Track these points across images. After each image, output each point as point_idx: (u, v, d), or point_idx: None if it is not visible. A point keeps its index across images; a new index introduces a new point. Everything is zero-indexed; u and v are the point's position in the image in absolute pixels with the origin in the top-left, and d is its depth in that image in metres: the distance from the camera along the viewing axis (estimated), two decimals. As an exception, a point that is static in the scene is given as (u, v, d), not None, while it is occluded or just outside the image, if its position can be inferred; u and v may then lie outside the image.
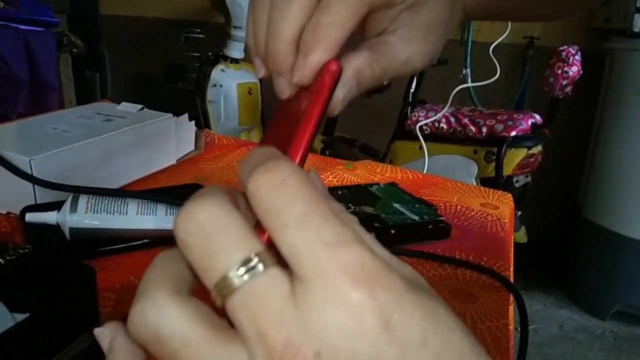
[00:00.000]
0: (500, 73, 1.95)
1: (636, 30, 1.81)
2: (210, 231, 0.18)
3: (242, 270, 0.17)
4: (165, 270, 0.19)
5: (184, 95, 2.42)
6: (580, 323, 2.03)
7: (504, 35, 2.12)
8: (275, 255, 0.18)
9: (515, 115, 1.76)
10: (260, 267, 0.17)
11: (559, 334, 1.95)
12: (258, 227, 0.19)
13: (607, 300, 2.01)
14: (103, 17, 2.87)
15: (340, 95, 0.26)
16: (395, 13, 0.28)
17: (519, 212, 1.77)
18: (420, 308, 0.17)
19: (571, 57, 1.58)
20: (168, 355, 0.18)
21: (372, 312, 0.16)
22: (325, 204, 0.18)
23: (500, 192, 0.81)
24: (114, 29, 2.87)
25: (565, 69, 1.58)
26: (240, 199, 0.20)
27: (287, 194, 0.17)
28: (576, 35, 2.33)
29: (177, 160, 0.75)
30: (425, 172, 1.76)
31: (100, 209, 0.51)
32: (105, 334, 0.20)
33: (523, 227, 1.78)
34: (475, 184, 1.76)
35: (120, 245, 0.51)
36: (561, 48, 1.61)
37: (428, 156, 1.80)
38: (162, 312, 0.18)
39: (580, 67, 1.60)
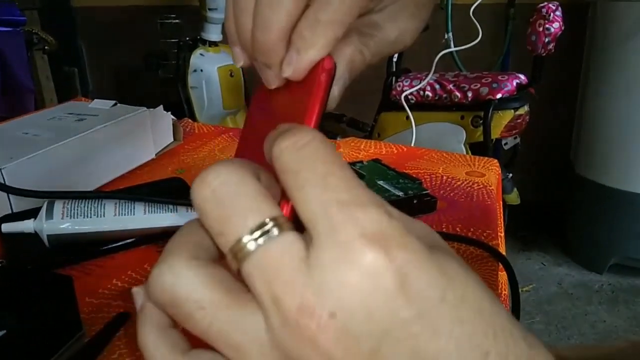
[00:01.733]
0: (482, 35, 1.93)
1: (616, -20, 1.78)
2: (223, 196, 0.18)
3: (257, 234, 0.17)
4: (186, 237, 0.20)
5: (165, 83, 2.39)
6: (578, 279, 2.05)
7: (483, -4, 2.09)
8: (295, 224, 0.18)
9: (499, 77, 1.74)
10: (275, 231, 0.17)
11: (558, 291, 1.97)
12: (283, 198, 0.19)
13: (603, 254, 2.02)
14: (76, 9, 2.81)
15: (336, 91, 0.25)
16: None
17: (510, 174, 1.77)
18: (436, 266, 0.17)
19: (552, 14, 1.55)
20: (184, 318, 0.18)
21: (387, 272, 0.16)
22: (346, 168, 0.18)
23: (485, 158, 0.80)
24: (88, 21, 2.81)
25: (547, 25, 1.56)
26: (262, 172, 0.20)
27: (309, 155, 0.18)
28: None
29: (156, 154, 0.74)
30: (413, 142, 1.75)
31: (77, 213, 0.50)
32: (139, 295, 0.20)
33: (515, 189, 1.78)
34: (464, 149, 1.75)
35: (101, 248, 0.50)
36: (541, 5, 1.58)
37: (415, 126, 1.78)
38: (178, 276, 0.18)
39: (561, 23, 1.58)
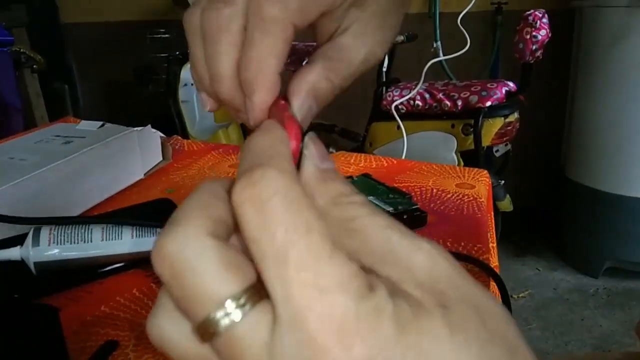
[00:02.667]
0: (471, 43, 1.94)
1: (601, -14, 1.80)
2: (183, 274, 0.16)
3: (220, 314, 0.16)
4: (204, 203, 0.18)
5: (156, 98, 2.39)
6: (573, 283, 2.05)
7: (471, 4, 2.11)
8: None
9: (488, 85, 1.75)
10: (239, 313, 0.16)
11: (554, 297, 1.97)
12: None
13: (597, 258, 2.03)
14: (65, 26, 2.81)
15: (300, 117, 0.24)
16: (341, 12, 0.26)
17: (502, 181, 1.77)
18: (415, 348, 0.15)
19: (538, 21, 1.57)
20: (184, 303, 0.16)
21: None
22: (314, 229, 0.16)
23: (475, 169, 0.80)
24: (78, 37, 2.81)
25: (534, 33, 1.57)
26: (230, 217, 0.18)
27: (270, 217, 0.16)
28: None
29: (144, 174, 0.74)
30: (405, 151, 1.76)
31: (64, 239, 0.49)
32: None
33: (508, 196, 1.79)
34: (455, 158, 1.76)
35: (89, 274, 0.50)
36: (527, 13, 1.60)
37: (407, 135, 1.79)
38: (193, 254, 0.16)
39: (548, 30, 1.59)
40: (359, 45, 0.26)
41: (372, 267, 0.17)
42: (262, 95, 0.23)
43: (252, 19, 0.22)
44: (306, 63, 0.25)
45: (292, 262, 0.15)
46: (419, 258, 0.17)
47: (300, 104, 0.24)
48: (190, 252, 0.16)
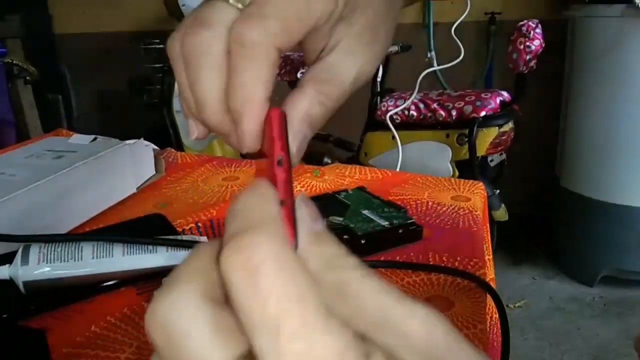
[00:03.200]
0: (465, 52, 1.95)
1: (593, -4, 1.82)
2: (174, 337, 0.15)
3: None
4: (198, 265, 0.17)
5: (151, 108, 2.38)
6: (569, 292, 2.05)
7: (464, 14, 2.12)
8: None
9: (482, 95, 1.76)
10: None
11: (550, 306, 1.97)
12: None
13: (593, 267, 2.03)
14: (59, 37, 2.80)
15: (294, 147, 0.23)
16: (328, 29, 0.25)
17: (498, 191, 1.78)
18: None
19: (532, 31, 1.57)
20: None
21: None
22: (308, 299, 0.15)
23: (471, 181, 0.80)
24: (72, 48, 2.80)
25: (527, 43, 1.58)
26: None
27: (260, 286, 0.15)
28: (537, 6, 2.33)
29: (137, 188, 0.73)
30: (399, 161, 1.75)
31: (54, 258, 0.48)
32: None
33: (503, 205, 1.79)
34: (450, 167, 1.76)
35: (79, 293, 0.49)
36: (521, 23, 1.60)
37: (401, 145, 1.79)
38: (185, 318, 0.15)
39: (542, 40, 1.59)
40: (349, 64, 0.26)
41: (367, 334, 0.16)
42: (251, 123, 0.22)
43: (233, 45, 0.22)
44: (297, 87, 0.24)
45: (285, 332, 0.14)
46: (415, 324, 0.16)
47: (295, 133, 0.23)
48: (183, 318, 0.15)
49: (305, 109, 0.24)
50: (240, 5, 0.23)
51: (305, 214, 0.19)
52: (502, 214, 1.79)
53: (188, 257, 0.18)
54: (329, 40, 0.25)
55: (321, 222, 0.19)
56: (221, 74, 0.22)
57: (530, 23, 1.59)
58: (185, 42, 0.23)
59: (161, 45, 2.44)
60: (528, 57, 1.58)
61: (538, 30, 1.59)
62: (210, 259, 0.17)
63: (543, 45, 1.60)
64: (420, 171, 0.86)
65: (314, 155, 2.07)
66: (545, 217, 2.35)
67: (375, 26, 0.26)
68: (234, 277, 0.15)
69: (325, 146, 2.22)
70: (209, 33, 0.22)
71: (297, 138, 0.23)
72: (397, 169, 1.73)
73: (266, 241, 0.16)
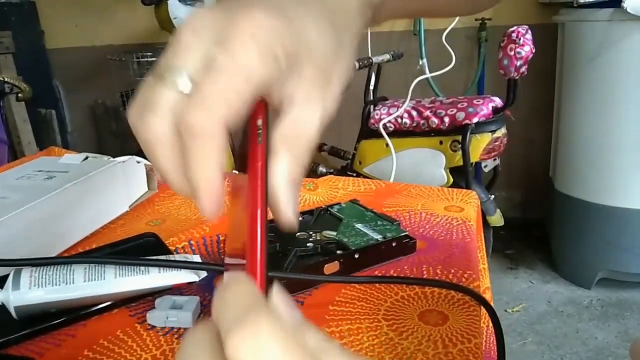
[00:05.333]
0: (456, 59, 1.96)
1: (582, 1, 1.83)
2: None
3: None
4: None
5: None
6: (567, 295, 2.05)
7: (455, 21, 2.13)
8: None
9: (475, 102, 1.76)
10: None
11: (548, 310, 1.97)
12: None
13: (590, 269, 2.03)
14: (51, 52, 2.80)
15: (290, 212, 0.24)
16: (280, 85, 0.24)
17: (492, 196, 1.78)
18: None
19: (522, 37, 1.58)
20: None
21: None
22: None
23: (464, 190, 0.80)
24: (64, 62, 2.81)
25: (518, 49, 1.59)
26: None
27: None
28: (526, 12, 2.35)
29: (129, 206, 0.73)
30: (394, 169, 1.76)
31: (45, 282, 0.48)
32: None
33: (498, 211, 1.79)
34: (444, 174, 1.76)
35: (71, 317, 0.49)
36: (511, 29, 1.61)
37: (395, 152, 1.79)
38: None
39: (532, 46, 1.60)
40: (310, 113, 0.25)
41: None
42: (207, 199, 0.23)
43: (182, 132, 0.22)
44: (271, 152, 0.24)
45: None
46: None
47: (287, 200, 0.24)
48: None
49: (287, 175, 0.24)
50: (180, 89, 0.23)
51: (282, 307, 0.19)
52: (497, 219, 1.79)
53: (187, 348, 0.19)
54: (283, 95, 0.25)
55: (298, 312, 0.19)
56: (174, 155, 0.23)
57: (520, 29, 1.60)
58: (136, 129, 0.24)
59: (154, 58, 2.44)
60: (519, 63, 1.59)
61: (528, 36, 1.60)
62: (212, 349, 0.18)
63: (533, 50, 1.61)
64: (415, 178, 0.86)
65: (308, 165, 2.07)
66: (541, 221, 2.35)
67: (325, 68, 0.26)
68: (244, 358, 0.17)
69: (320, 155, 2.22)
70: (156, 120, 0.23)
71: (291, 202, 0.24)
72: (392, 177, 1.73)
73: (271, 324, 0.17)
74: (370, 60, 1.85)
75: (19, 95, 1.48)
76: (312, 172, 1.99)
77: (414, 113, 1.84)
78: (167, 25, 2.13)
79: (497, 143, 1.74)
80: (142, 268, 0.50)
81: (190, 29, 0.23)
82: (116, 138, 2.78)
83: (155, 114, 0.23)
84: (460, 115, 1.73)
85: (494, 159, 1.81)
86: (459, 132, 1.71)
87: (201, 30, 0.23)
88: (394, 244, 0.59)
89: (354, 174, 1.96)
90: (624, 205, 1.88)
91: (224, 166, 0.23)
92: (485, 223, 1.75)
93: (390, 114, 1.85)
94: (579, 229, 2.03)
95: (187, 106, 0.22)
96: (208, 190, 0.23)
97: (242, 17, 0.23)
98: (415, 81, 1.87)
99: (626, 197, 1.88)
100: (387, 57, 1.90)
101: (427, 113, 1.81)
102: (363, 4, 0.30)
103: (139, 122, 0.24)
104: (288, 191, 0.24)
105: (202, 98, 0.22)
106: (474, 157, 1.72)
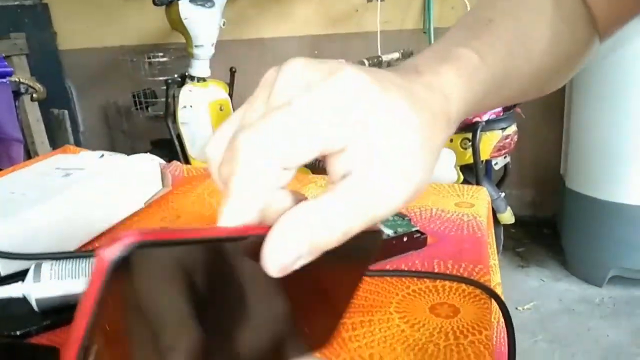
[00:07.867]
0: (466, 57, 1.95)
1: (593, -2, 1.82)
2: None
3: None
4: None
5: (156, 121, 2.41)
6: (578, 293, 2.04)
7: (465, 19, 2.12)
8: None
9: (485, 99, 1.76)
10: None
11: (560, 308, 1.96)
12: None
13: (601, 267, 2.02)
14: (63, 53, 2.84)
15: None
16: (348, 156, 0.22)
17: (503, 194, 1.78)
18: None
19: (532, 35, 1.58)
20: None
21: None
22: None
23: (474, 187, 0.80)
24: (76, 63, 2.84)
25: (528, 46, 1.58)
26: None
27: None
28: (536, 9, 2.34)
29: (144, 203, 0.74)
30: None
31: (65, 274, 0.49)
32: None
33: (509, 208, 1.79)
34: (455, 172, 1.76)
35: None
36: (521, 27, 1.61)
37: (406, 150, 1.79)
38: None
39: (542, 43, 1.60)
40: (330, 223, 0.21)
41: None
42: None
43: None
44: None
45: None
46: None
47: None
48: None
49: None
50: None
51: None
52: (508, 216, 1.79)
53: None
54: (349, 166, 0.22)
55: None
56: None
57: (530, 26, 1.59)
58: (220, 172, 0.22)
59: (165, 59, 2.47)
60: (529, 60, 1.59)
61: (538, 33, 1.59)
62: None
63: (543, 47, 1.60)
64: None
65: (320, 164, 2.08)
66: (552, 219, 2.34)
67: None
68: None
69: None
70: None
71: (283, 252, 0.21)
72: (402, 175, 1.74)
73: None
74: (380, 59, 1.86)
75: (34, 95, 1.51)
76: (323, 171, 2.00)
77: (424, 111, 1.84)
78: (177, 26, 2.14)
79: (507, 140, 1.74)
80: (159, 262, 0.51)
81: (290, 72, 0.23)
82: (127, 138, 2.80)
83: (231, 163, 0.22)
84: (470, 113, 1.73)
85: (505, 157, 1.81)
86: (469, 129, 1.71)
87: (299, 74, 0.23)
88: (405, 239, 0.60)
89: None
90: (635, 202, 1.87)
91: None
92: (496, 221, 1.75)
93: (400, 112, 1.86)
94: (590, 227, 2.02)
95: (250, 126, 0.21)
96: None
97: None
98: (425, 79, 1.87)
99: (638, 194, 1.87)
100: (396, 55, 1.90)
101: (437, 111, 1.81)
102: (460, 114, 0.28)
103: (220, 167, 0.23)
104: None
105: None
106: (484, 155, 1.72)
